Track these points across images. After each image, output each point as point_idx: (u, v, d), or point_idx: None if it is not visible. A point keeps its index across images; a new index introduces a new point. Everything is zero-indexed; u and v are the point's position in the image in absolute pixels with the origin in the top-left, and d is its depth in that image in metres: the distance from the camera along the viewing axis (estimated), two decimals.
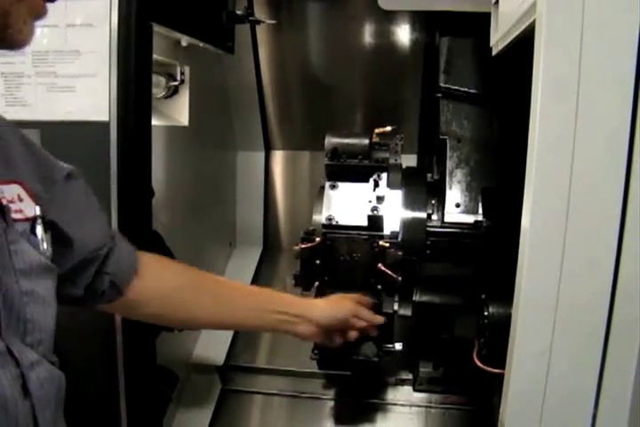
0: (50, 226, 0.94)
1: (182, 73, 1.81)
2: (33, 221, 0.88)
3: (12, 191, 0.86)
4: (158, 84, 1.75)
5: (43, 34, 1.32)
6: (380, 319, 1.55)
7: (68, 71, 1.33)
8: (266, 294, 1.39)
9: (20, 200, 0.87)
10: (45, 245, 0.90)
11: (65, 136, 1.34)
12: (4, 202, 0.83)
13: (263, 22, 2.02)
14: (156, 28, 1.43)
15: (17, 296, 0.78)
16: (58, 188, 1.00)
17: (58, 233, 0.97)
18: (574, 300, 0.93)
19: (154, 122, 1.48)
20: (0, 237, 0.79)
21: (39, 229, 0.88)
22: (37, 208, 0.89)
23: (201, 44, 1.76)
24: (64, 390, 0.90)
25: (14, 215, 0.84)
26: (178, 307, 1.24)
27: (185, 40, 1.69)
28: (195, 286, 1.26)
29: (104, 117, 1.32)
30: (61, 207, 0.99)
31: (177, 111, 1.87)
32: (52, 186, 0.98)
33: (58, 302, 0.94)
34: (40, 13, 0.78)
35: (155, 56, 1.47)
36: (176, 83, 1.81)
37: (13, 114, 1.35)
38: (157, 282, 1.19)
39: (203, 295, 1.26)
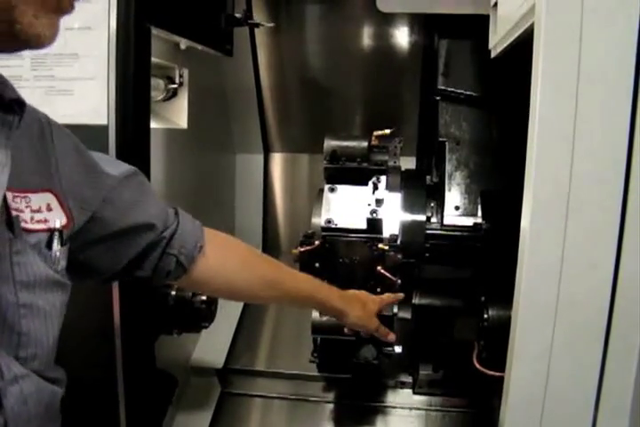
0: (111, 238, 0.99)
1: (181, 76, 1.81)
2: (52, 232, 0.87)
3: (40, 199, 0.85)
4: (157, 87, 1.74)
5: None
6: (392, 338, 1.57)
7: (67, 74, 1.32)
8: (314, 288, 1.40)
9: (49, 210, 0.86)
10: (58, 259, 0.88)
11: None
12: (16, 213, 0.82)
13: (262, 25, 2.02)
14: (155, 32, 1.43)
15: (12, 308, 0.77)
16: (111, 189, 0.99)
17: (123, 231, 1.02)
18: (574, 302, 0.93)
19: (153, 125, 1.47)
20: (4, 247, 0.77)
21: (55, 243, 0.87)
22: (59, 221, 0.88)
23: (200, 47, 1.76)
24: (56, 408, 0.89)
25: (33, 226, 0.83)
26: (237, 284, 1.26)
27: (184, 43, 1.69)
28: (253, 266, 1.28)
29: (103, 121, 1.32)
30: (120, 209, 1.01)
31: (176, 114, 1.86)
32: (104, 188, 0.98)
33: (127, 280, 1.02)
34: (62, 7, 0.74)
35: (153, 59, 1.46)
36: (175, 86, 1.80)
37: None
38: (220, 260, 1.20)
39: (260, 277, 1.28)
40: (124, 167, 1.05)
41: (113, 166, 1.03)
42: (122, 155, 1.33)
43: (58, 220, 0.87)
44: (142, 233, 1.06)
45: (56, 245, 0.87)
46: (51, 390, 0.87)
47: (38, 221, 0.84)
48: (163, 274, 1.13)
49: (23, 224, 0.82)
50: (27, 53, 1.33)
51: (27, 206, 0.83)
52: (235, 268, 1.24)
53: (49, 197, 0.87)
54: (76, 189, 0.93)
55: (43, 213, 0.85)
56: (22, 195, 0.83)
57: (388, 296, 1.58)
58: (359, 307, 1.46)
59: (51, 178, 0.89)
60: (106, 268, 1.05)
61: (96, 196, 0.97)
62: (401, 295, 1.61)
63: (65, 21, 1.28)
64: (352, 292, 1.51)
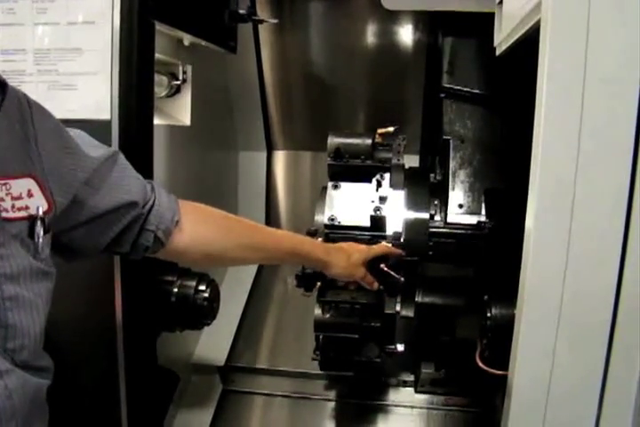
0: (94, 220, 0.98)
1: (184, 72, 1.80)
2: (34, 220, 0.86)
3: (22, 186, 0.84)
4: (160, 84, 1.74)
5: (44, 32, 1.31)
6: (374, 286, 1.58)
7: (70, 69, 1.32)
8: (297, 244, 1.42)
9: (30, 196, 0.85)
10: (42, 248, 0.88)
11: None
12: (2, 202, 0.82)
13: (266, 21, 2.01)
14: (159, 27, 1.42)
15: (7, 303, 0.77)
16: (93, 172, 0.99)
17: (104, 213, 1.02)
18: (579, 300, 0.92)
19: (156, 121, 1.47)
20: None
21: (38, 231, 0.87)
22: (41, 208, 0.87)
23: (203, 43, 1.76)
24: (42, 401, 0.90)
25: (14, 214, 0.83)
26: (216, 252, 1.28)
27: (187, 39, 1.68)
28: (230, 232, 1.29)
29: (106, 116, 1.31)
30: (102, 191, 1.01)
31: (179, 111, 1.86)
32: (85, 171, 0.98)
33: (104, 254, 1.02)
34: None
35: (157, 55, 1.46)
36: (178, 82, 1.80)
37: None
38: (196, 232, 1.21)
39: (238, 241, 1.29)
40: (103, 149, 1.05)
41: (93, 148, 1.02)
42: (124, 150, 1.32)
43: (39, 206, 0.86)
44: (125, 212, 1.06)
45: (39, 234, 0.86)
46: (35, 384, 0.86)
47: (19, 209, 0.83)
48: (141, 249, 1.14)
49: (4, 214, 0.81)
50: (30, 48, 1.32)
51: (7, 194, 0.82)
52: (211, 236, 1.25)
53: (30, 183, 0.86)
54: (57, 172, 0.92)
55: (24, 199, 0.84)
56: (2, 182, 0.82)
57: (379, 246, 1.59)
58: (344, 258, 1.47)
59: (31, 162, 0.87)
60: (89, 248, 1.05)
61: (77, 178, 0.96)
62: (398, 251, 1.61)
63: (68, 16, 1.29)
64: (338, 244, 1.53)
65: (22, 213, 0.84)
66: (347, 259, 1.48)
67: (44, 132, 0.91)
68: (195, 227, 1.21)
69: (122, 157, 1.09)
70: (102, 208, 1.01)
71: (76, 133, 1.01)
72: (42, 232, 0.87)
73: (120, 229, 1.07)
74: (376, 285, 1.57)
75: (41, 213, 0.87)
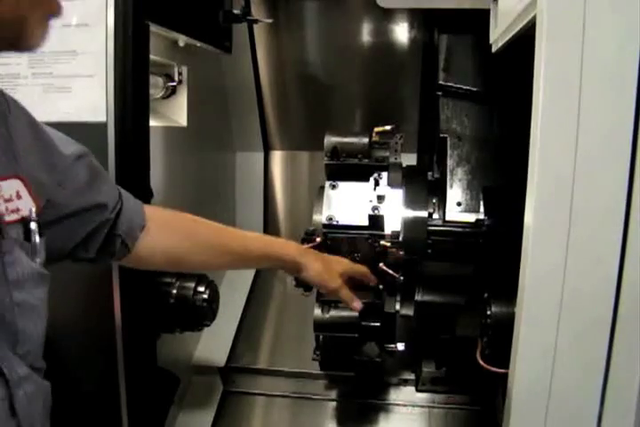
0: (61, 220, 0.96)
1: (180, 73, 1.80)
2: (28, 222, 0.85)
3: (11, 187, 0.83)
4: (156, 85, 1.74)
5: None
6: (356, 306, 1.53)
7: (65, 72, 1.32)
8: (267, 245, 1.40)
9: (19, 197, 0.83)
10: (39, 251, 0.86)
11: None
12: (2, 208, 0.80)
13: (260, 21, 2.00)
14: (153, 28, 1.42)
15: (9, 308, 0.76)
16: (63, 170, 0.98)
17: (74, 213, 1.00)
18: (579, 298, 0.92)
19: (152, 123, 1.47)
20: None
21: (34, 234, 0.85)
22: (32, 209, 0.85)
23: (198, 44, 1.75)
24: (50, 403, 0.89)
25: (9, 217, 0.81)
26: (181, 257, 1.27)
27: (182, 40, 1.68)
28: (195, 236, 1.28)
29: (101, 118, 1.31)
30: (71, 189, 0.99)
31: (175, 112, 1.86)
32: (58, 171, 0.96)
33: (71, 260, 1.01)
34: (56, 13, 0.75)
35: (152, 56, 1.46)
36: (174, 83, 1.80)
37: None
38: (161, 236, 1.20)
39: (204, 245, 1.29)
40: (74, 146, 1.03)
41: (64, 145, 1.00)
42: (121, 152, 1.32)
43: (29, 207, 0.85)
44: (94, 214, 1.05)
45: (35, 236, 0.85)
46: (45, 387, 0.86)
47: (12, 211, 0.82)
48: (107, 255, 1.13)
49: (5, 217, 0.80)
50: None
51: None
52: (176, 241, 1.24)
53: (17, 184, 0.84)
54: (34, 173, 0.90)
55: (14, 201, 0.82)
56: None
57: (359, 267, 1.57)
58: (319, 262, 1.44)
59: (15, 161, 0.85)
60: (53, 251, 1.01)
61: (52, 179, 0.94)
62: (373, 279, 1.60)
63: (62, 18, 1.27)
64: (317, 252, 1.51)
65: (15, 216, 0.83)
66: (322, 264, 1.45)
67: (22, 128, 0.89)
68: (160, 231, 1.20)
69: (93, 158, 1.08)
70: (71, 208, 1.00)
71: (47, 128, 0.99)
72: (37, 235, 0.86)
73: (87, 233, 1.05)
74: (356, 304, 1.53)
75: (34, 214, 0.85)
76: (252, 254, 1.36)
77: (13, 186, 0.83)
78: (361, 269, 1.57)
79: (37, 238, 0.86)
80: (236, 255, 1.35)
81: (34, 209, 0.86)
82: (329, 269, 1.46)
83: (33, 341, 0.83)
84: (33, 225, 0.85)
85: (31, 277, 0.83)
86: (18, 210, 0.83)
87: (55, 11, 0.75)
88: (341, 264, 1.52)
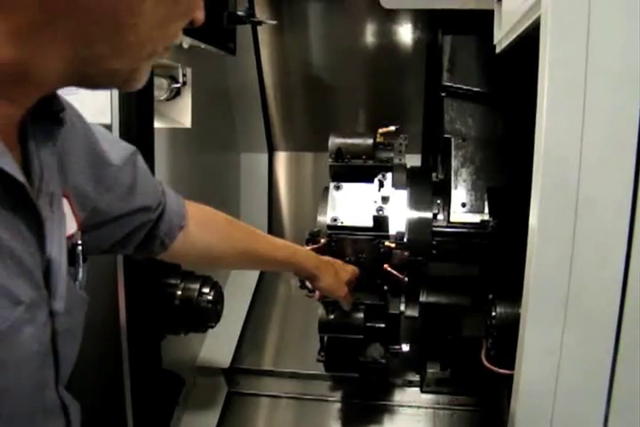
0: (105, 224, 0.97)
1: (184, 75, 1.80)
2: (72, 244, 0.82)
3: None
4: (160, 87, 1.74)
5: None
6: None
7: None
8: (291, 254, 1.43)
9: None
10: (82, 276, 0.84)
11: None
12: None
13: (264, 23, 2.00)
14: None
15: (61, 340, 0.74)
16: (112, 179, 0.96)
17: (119, 217, 1.00)
18: (584, 298, 0.92)
19: (156, 124, 1.47)
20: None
21: (79, 259, 0.83)
22: (73, 229, 0.82)
23: (202, 46, 1.75)
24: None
25: None
26: (214, 258, 1.31)
27: (186, 42, 1.68)
28: (231, 239, 1.31)
29: (106, 120, 1.32)
30: (115, 193, 0.98)
31: (180, 113, 1.86)
32: (105, 181, 0.94)
33: (104, 254, 1.02)
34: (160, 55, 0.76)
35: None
36: (178, 85, 1.80)
37: None
38: (199, 236, 1.22)
39: (237, 249, 1.32)
40: (123, 151, 1.01)
41: (114, 150, 0.98)
42: None
43: (71, 228, 0.82)
44: (136, 216, 1.05)
45: (79, 261, 0.83)
46: (79, 408, 0.85)
47: None
48: (144, 252, 1.14)
49: None
50: None
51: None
52: (213, 241, 1.26)
53: (64, 203, 0.81)
54: (81, 185, 0.89)
55: None
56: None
57: (356, 271, 1.62)
58: (332, 274, 1.50)
59: (65, 178, 0.83)
60: (91, 249, 0.98)
61: (98, 190, 0.93)
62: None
63: None
64: (327, 258, 1.54)
65: None
66: (334, 275, 1.50)
67: (76, 142, 0.87)
68: (198, 232, 1.21)
69: (140, 158, 1.06)
70: (115, 213, 1.00)
71: (99, 131, 0.96)
72: (82, 260, 0.84)
73: (127, 233, 1.06)
74: (349, 304, 1.62)
75: (78, 238, 0.83)
76: (276, 261, 1.40)
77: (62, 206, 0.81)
78: (356, 272, 1.61)
79: (81, 264, 0.84)
80: (263, 261, 1.40)
81: (78, 232, 0.84)
82: (337, 279, 1.51)
83: (69, 365, 0.82)
84: (79, 250, 0.83)
85: (77, 304, 0.81)
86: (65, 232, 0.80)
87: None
88: (347, 272, 1.56)
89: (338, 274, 1.52)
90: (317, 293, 1.58)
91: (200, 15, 0.73)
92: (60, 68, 0.63)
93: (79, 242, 0.84)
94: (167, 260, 1.28)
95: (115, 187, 0.97)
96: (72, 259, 0.81)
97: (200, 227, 1.22)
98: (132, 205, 1.02)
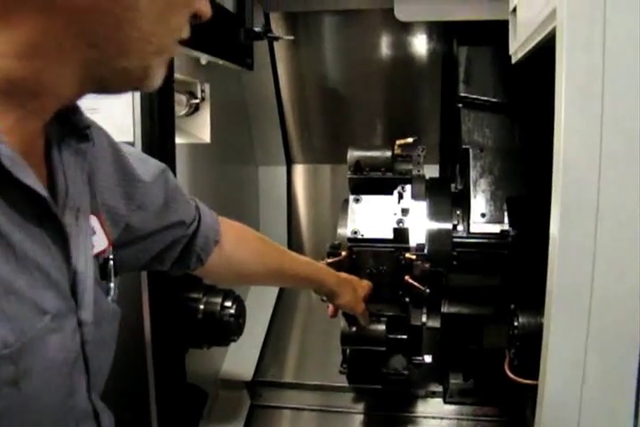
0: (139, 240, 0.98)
1: (203, 91, 1.82)
2: (104, 260, 0.84)
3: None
4: (179, 103, 1.76)
5: None
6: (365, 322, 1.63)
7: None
8: (314, 271, 1.46)
9: (93, 233, 0.81)
10: (114, 290, 0.86)
11: None
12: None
13: (281, 38, 2.03)
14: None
15: (91, 349, 0.75)
16: (141, 196, 0.97)
17: (152, 233, 1.01)
18: (607, 308, 0.91)
19: (176, 140, 1.48)
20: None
21: (111, 273, 0.85)
22: (104, 245, 0.83)
23: (220, 62, 1.77)
24: None
25: None
26: (247, 275, 1.33)
27: (204, 58, 1.70)
28: (264, 257, 1.33)
29: (129, 138, 1.33)
30: (148, 210, 0.99)
31: (199, 128, 1.88)
32: (136, 198, 0.95)
33: (142, 270, 1.04)
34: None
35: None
36: (197, 100, 1.82)
37: None
38: (233, 253, 1.23)
39: (269, 267, 1.33)
40: (153, 168, 1.02)
41: (143, 167, 0.99)
42: None
43: (104, 244, 0.83)
44: (171, 232, 1.06)
45: (111, 276, 0.85)
46: (112, 416, 0.87)
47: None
48: (181, 267, 1.16)
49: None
50: None
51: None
52: (246, 259, 1.28)
53: (93, 220, 0.82)
54: (111, 203, 0.90)
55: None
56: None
57: (370, 286, 1.63)
58: (350, 291, 1.51)
59: (94, 198, 0.84)
60: (127, 266, 1.02)
61: (129, 207, 0.94)
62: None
63: None
64: (345, 276, 1.55)
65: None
66: (353, 292, 1.52)
67: (104, 161, 0.89)
68: (232, 248, 1.23)
69: (171, 175, 1.08)
70: (149, 230, 1.01)
71: (128, 150, 0.98)
72: (113, 275, 0.85)
73: (162, 248, 1.07)
74: (367, 321, 1.63)
75: (110, 253, 0.85)
76: (300, 278, 1.43)
77: (90, 222, 0.81)
78: (370, 287, 1.62)
79: (112, 278, 0.85)
80: (287, 278, 1.43)
81: (109, 247, 0.85)
82: (356, 296, 1.53)
83: (103, 374, 0.84)
84: (110, 265, 0.85)
85: (107, 316, 0.82)
86: (93, 247, 0.80)
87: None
88: (363, 288, 1.58)
89: (356, 291, 1.53)
90: (330, 308, 1.59)
91: (204, 7, 0.73)
92: (72, 73, 0.64)
93: (111, 257, 0.86)
94: (202, 277, 1.32)
95: (146, 204, 0.98)
96: (103, 273, 0.84)
97: (234, 243, 1.24)
98: (166, 221, 1.04)
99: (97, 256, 0.82)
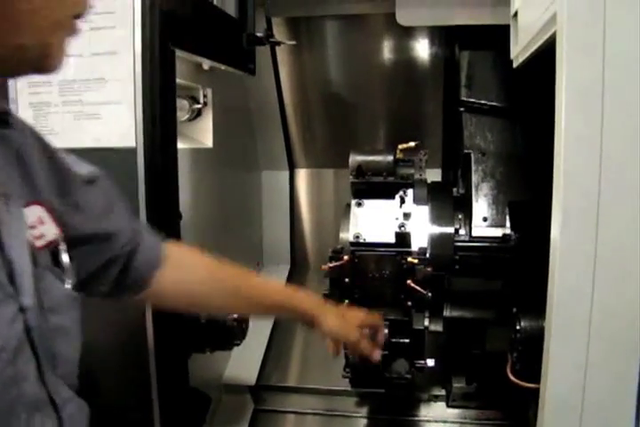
0: (73, 246, 0.91)
1: (205, 96, 1.83)
2: (55, 246, 0.84)
3: (33, 214, 0.81)
4: (182, 108, 1.77)
5: (68, 63, 1.34)
6: (376, 356, 1.45)
7: (94, 99, 1.35)
8: (286, 296, 1.36)
9: (42, 223, 0.82)
10: (70, 274, 0.86)
11: (93, 163, 1.35)
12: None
13: (283, 43, 2.04)
14: (179, 53, 1.44)
15: (48, 335, 0.77)
16: (77, 195, 0.95)
17: (84, 238, 0.96)
18: (608, 311, 0.91)
19: (179, 145, 1.49)
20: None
21: (64, 258, 0.85)
22: (59, 234, 0.84)
23: (222, 67, 1.78)
24: (88, 420, 0.89)
25: (38, 243, 0.80)
26: (198, 298, 1.24)
27: (207, 63, 1.71)
28: (215, 276, 1.25)
29: (131, 143, 1.33)
30: (84, 213, 0.96)
31: (201, 134, 1.88)
32: (71, 194, 0.93)
33: (85, 295, 0.94)
34: (74, 34, 0.76)
35: (177, 80, 1.48)
36: (199, 106, 1.83)
37: None
38: (180, 273, 1.17)
39: (224, 287, 1.25)
40: (89, 168, 1.00)
41: (79, 166, 0.98)
42: (150, 177, 1.34)
43: (54, 232, 0.84)
44: (107, 244, 1.02)
45: (65, 260, 0.85)
46: (84, 406, 0.87)
47: (37, 238, 0.80)
48: (122, 289, 1.09)
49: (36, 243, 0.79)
50: (55, 80, 1.35)
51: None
52: (195, 280, 1.21)
53: (39, 210, 0.82)
54: (51, 196, 0.89)
55: (37, 228, 0.81)
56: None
57: (374, 318, 1.49)
58: (335, 316, 1.38)
59: (34, 187, 0.84)
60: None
61: (64, 202, 0.92)
62: (381, 335, 1.51)
63: (91, 47, 1.31)
64: (331, 305, 1.44)
65: (42, 242, 0.81)
66: (339, 317, 1.39)
67: (38, 157, 0.88)
68: (179, 269, 1.18)
69: (110, 184, 1.05)
70: (84, 233, 0.96)
71: (65, 153, 0.97)
72: (67, 259, 0.85)
73: (100, 264, 1.02)
74: (377, 354, 1.45)
75: (61, 239, 0.85)
76: (272, 303, 1.33)
77: (35, 212, 0.82)
78: (375, 320, 1.50)
79: (66, 262, 0.85)
80: (256, 303, 1.32)
81: (59, 233, 0.85)
82: (345, 323, 1.39)
83: (70, 362, 0.84)
84: (62, 249, 0.85)
85: (65, 302, 0.83)
86: (43, 236, 0.82)
87: (75, 32, 0.75)
88: (358, 317, 1.44)
89: (343, 316, 1.41)
90: (329, 343, 1.42)
91: None
92: None
93: (61, 244, 0.85)
94: (154, 303, 1.24)
95: (82, 204, 0.96)
96: (56, 259, 0.83)
97: (181, 265, 1.19)
98: (101, 227, 1.00)
99: (48, 246, 0.82)
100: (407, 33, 2.28)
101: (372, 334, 1.46)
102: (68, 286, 0.85)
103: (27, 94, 1.37)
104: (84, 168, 0.99)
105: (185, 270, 1.20)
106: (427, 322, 1.68)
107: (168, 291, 1.17)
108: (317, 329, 1.37)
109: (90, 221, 0.97)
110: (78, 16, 0.74)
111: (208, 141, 1.90)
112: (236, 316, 1.57)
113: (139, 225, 1.13)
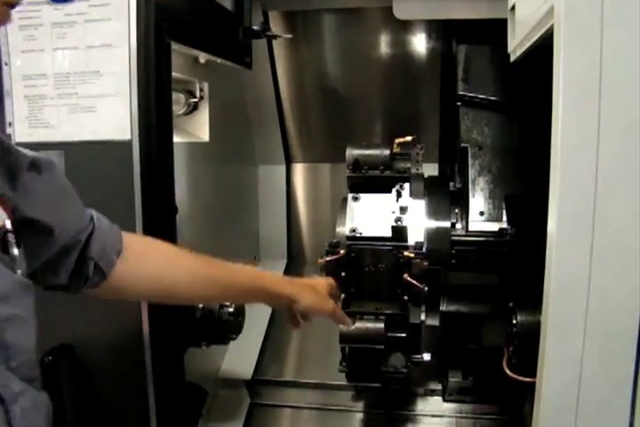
0: (22, 232, 0.89)
1: (201, 89, 1.83)
2: (4, 233, 0.82)
3: None
4: (178, 101, 1.76)
5: (64, 56, 1.34)
6: (348, 322, 1.58)
7: (90, 92, 1.34)
8: (257, 278, 1.36)
9: None
10: (19, 261, 0.83)
11: (88, 156, 1.35)
12: None
13: (279, 37, 2.03)
14: (175, 46, 1.44)
15: None
16: (24, 179, 0.92)
17: (33, 224, 0.93)
18: (605, 306, 0.92)
19: (175, 139, 1.49)
20: None
21: (12, 245, 0.82)
22: (8, 222, 0.82)
23: (219, 61, 1.78)
24: (51, 413, 0.88)
25: None
26: (166, 286, 1.20)
27: (203, 57, 1.70)
28: (179, 262, 1.22)
29: (126, 136, 1.33)
30: (32, 198, 0.93)
31: (197, 127, 1.88)
32: (18, 179, 0.91)
33: (43, 288, 0.95)
34: (5, 22, 0.75)
35: (174, 74, 1.48)
36: (195, 99, 1.82)
37: (37, 136, 1.37)
38: (141, 263, 1.14)
39: (189, 273, 1.22)
40: (40, 156, 0.97)
41: (25, 151, 0.95)
42: (146, 170, 1.34)
43: (3, 218, 0.82)
44: (52, 231, 0.98)
45: (14, 247, 0.83)
46: (42, 399, 0.85)
47: None
48: (80, 281, 1.06)
49: None
50: (50, 73, 1.35)
51: None
52: (157, 268, 1.18)
53: None
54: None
55: None
56: None
57: (330, 280, 1.55)
58: (310, 291, 1.40)
59: None
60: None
61: (14, 186, 0.90)
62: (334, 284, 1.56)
63: (86, 40, 1.31)
64: (300, 278, 1.48)
65: None
66: (313, 291, 1.41)
67: None
68: (141, 257, 1.14)
69: (62, 173, 1.03)
70: (29, 216, 0.93)
71: (13, 145, 0.94)
72: (16, 246, 0.83)
73: (54, 254, 1.00)
74: (349, 320, 1.56)
75: (9, 225, 0.83)
76: (240, 287, 1.31)
77: None
78: (331, 282, 1.54)
79: (16, 249, 0.83)
80: (226, 287, 1.29)
81: (8, 220, 0.83)
82: (319, 295, 1.43)
83: (25, 353, 0.82)
84: (10, 236, 0.82)
85: (16, 290, 0.81)
86: None
87: (5, 20, 0.75)
88: (323, 285, 1.48)
89: (315, 288, 1.43)
90: (290, 318, 1.46)
91: None
92: None
93: (10, 229, 0.83)
94: (117, 297, 1.20)
95: (29, 190, 0.93)
96: (4, 247, 0.81)
97: (143, 253, 1.16)
98: (52, 215, 0.97)
99: None
100: (404, 27, 2.27)
101: (331, 295, 1.51)
102: (18, 273, 0.83)
103: (22, 87, 1.36)
104: (34, 155, 0.96)
105: (146, 260, 1.16)
106: (423, 316, 1.68)
107: (132, 278, 1.13)
108: (295, 307, 1.38)
109: (35, 209, 0.94)
110: (10, 4, 0.73)
111: (204, 135, 1.89)
112: (232, 309, 1.57)
113: (93, 213, 1.09)
